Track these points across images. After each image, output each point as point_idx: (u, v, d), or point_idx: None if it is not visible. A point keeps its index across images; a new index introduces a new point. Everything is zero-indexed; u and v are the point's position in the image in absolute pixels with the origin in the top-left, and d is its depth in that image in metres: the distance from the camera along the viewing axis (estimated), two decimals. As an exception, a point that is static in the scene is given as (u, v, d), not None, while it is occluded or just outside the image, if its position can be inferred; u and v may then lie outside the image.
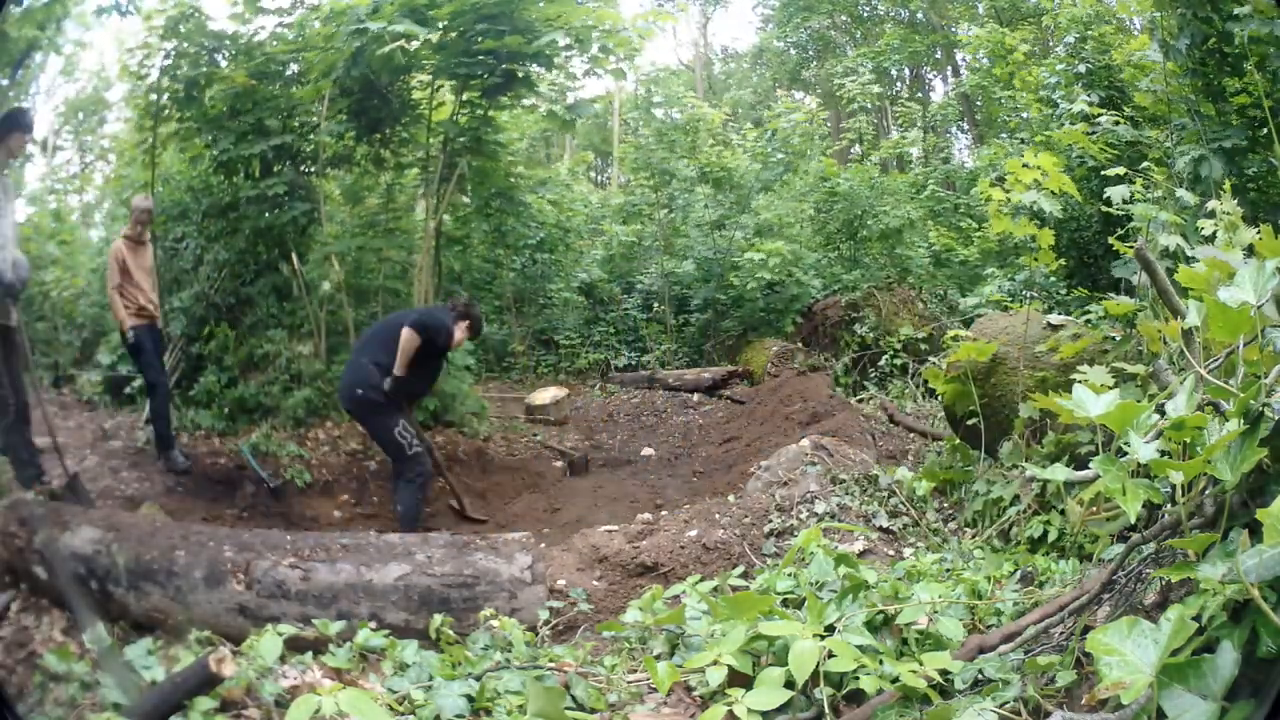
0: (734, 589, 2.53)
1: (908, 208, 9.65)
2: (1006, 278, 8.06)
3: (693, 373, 8.83)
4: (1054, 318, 4.03)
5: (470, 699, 2.00)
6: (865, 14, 16.98)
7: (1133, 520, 1.57)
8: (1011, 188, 3.91)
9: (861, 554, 3.12)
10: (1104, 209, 4.34)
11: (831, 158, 11.00)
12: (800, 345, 8.67)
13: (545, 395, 8.05)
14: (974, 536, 3.42)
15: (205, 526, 3.46)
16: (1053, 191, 3.84)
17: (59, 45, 8.15)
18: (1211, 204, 3.10)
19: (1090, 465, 1.73)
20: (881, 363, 7.99)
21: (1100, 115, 6.66)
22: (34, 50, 7.72)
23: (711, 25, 23.53)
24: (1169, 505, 1.66)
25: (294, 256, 6.83)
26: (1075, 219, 7.05)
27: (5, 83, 7.86)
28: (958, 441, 4.29)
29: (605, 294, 10.47)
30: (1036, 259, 4.12)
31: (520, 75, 6.94)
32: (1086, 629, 1.70)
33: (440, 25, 6.43)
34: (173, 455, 5.79)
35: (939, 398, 4.90)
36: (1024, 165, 3.84)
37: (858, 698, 1.79)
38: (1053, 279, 6.68)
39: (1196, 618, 1.32)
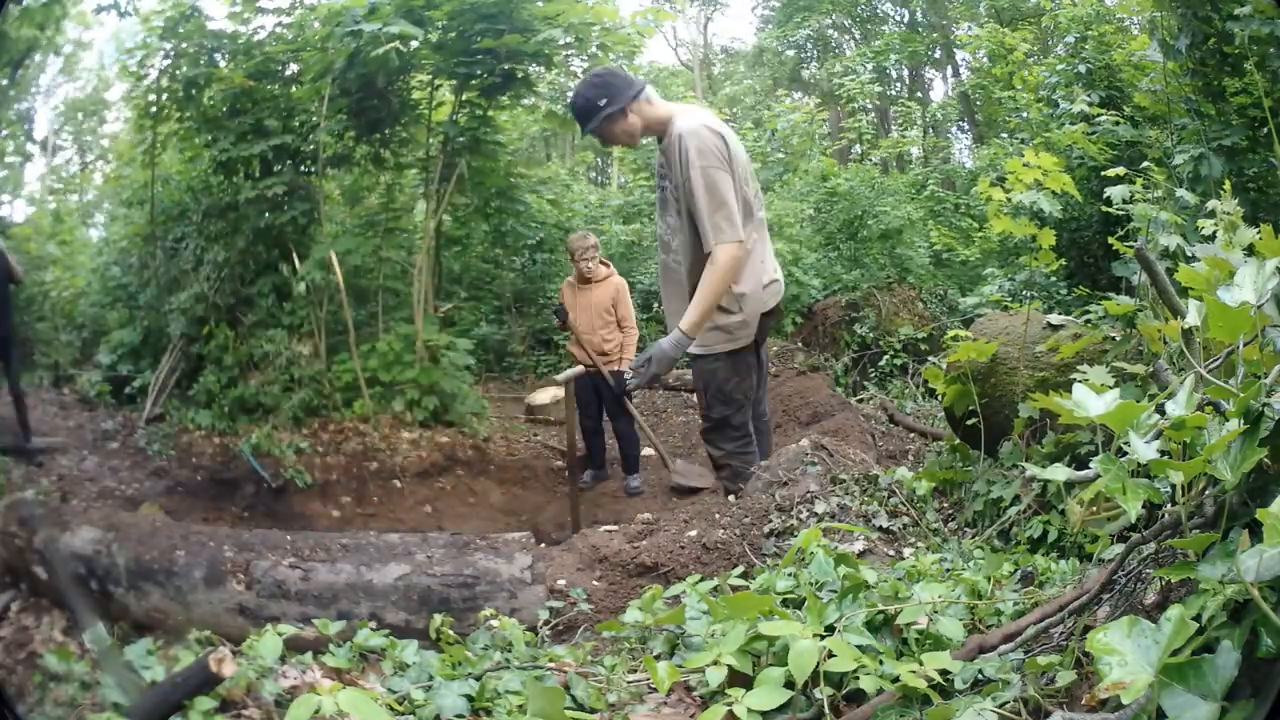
0: (734, 589, 2.53)
1: (908, 207, 9.65)
2: (1007, 277, 8.06)
3: (693, 372, 8.82)
4: (1054, 318, 4.03)
5: (470, 699, 2.00)
6: (865, 14, 16.98)
7: (1133, 520, 1.57)
8: (1012, 187, 3.91)
9: (861, 554, 3.12)
10: (1104, 209, 4.34)
11: (831, 157, 11.00)
12: (800, 345, 8.67)
13: (545, 395, 8.05)
14: (974, 536, 3.42)
15: (205, 526, 3.46)
16: (1053, 191, 3.83)
17: (59, 45, 8.16)
18: (1211, 204, 3.10)
19: (1090, 465, 1.73)
20: (881, 363, 7.99)
21: (1100, 115, 6.66)
22: (34, 50, 7.72)
23: (711, 25, 23.52)
24: (1169, 505, 1.66)
25: (294, 256, 6.84)
26: (1075, 219, 7.05)
27: (5, 83, 7.87)
28: (958, 441, 4.29)
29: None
30: (1037, 259, 4.12)
31: (519, 75, 6.94)
32: (1086, 629, 1.70)
33: (439, 25, 6.44)
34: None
35: (939, 398, 4.90)
36: (1025, 165, 3.84)
37: (858, 698, 1.79)
38: (1052, 279, 6.68)
39: (1196, 618, 1.32)
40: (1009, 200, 3.88)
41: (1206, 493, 1.58)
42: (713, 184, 3.34)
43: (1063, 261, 5.95)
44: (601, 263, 5.90)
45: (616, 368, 5.69)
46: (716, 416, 3.81)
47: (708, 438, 3.93)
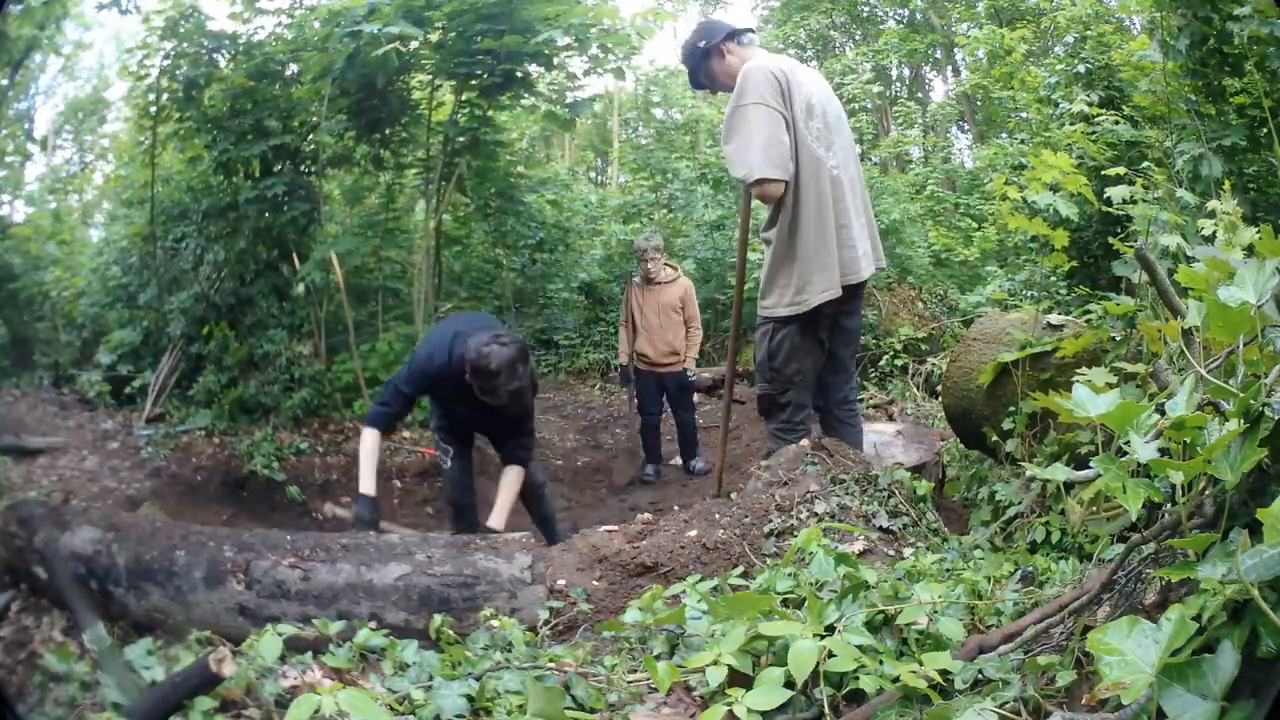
0: (734, 589, 2.53)
1: (906, 205, 9.65)
2: (1007, 277, 8.06)
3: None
4: (1054, 318, 4.03)
5: (470, 699, 1.99)
6: (864, 13, 16.99)
7: (1134, 519, 1.57)
8: (1028, 184, 3.91)
9: (861, 554, 3.12)
10: (1104, 209, 4.34)
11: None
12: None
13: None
14: (990, 529, 3.43)
15: (205, 526, 3.45)
16: (1070, 193, 3.84)
17: (59, 45, 8.17)
18: (1211, 204, 3.10)
19: (1090, 465, 1.73)
20: (881, 363, 7.99)
21: (1100, 115, 6.66)
22: (34, 50, 7.73)
23: (711, 25, 23.48)
24: (1169, 505, 1.66)
25: (294, 256, 6.84)
26: (1077, 219, 7.04)
27: (5, 83, 7.87)
28: (958, 442, 4.30)
29: (605, 294, 10.47)
30: (1048, 259, 4.12)
31: (519, 75, 6.94)
32: (1086, 629, 1.70)
33: (439, 26, 6.44)
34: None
35: (939, 398, 4.90)
36: (1045, 164, 3.82)
37: (858, 698, 1.79)
38: (1053, 279, 6.68)
39: (1196, 618, 1.32)
40: (1023, 200, 3.88)
41: (1206, 493, 1.58)
42: (742, 119, 3.29)
43: (1072, 262, 5.96)
44: (668, 264, 6.13)
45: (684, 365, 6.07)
46: (762, 390, 3.67)
47: (760, 407, 3.77)
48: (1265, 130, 5.21)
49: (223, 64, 6.96)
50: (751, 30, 3.68)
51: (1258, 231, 2.03)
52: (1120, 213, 4.28)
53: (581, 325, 10.20)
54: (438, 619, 2.54)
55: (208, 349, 6.89)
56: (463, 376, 3.57)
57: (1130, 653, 1.30)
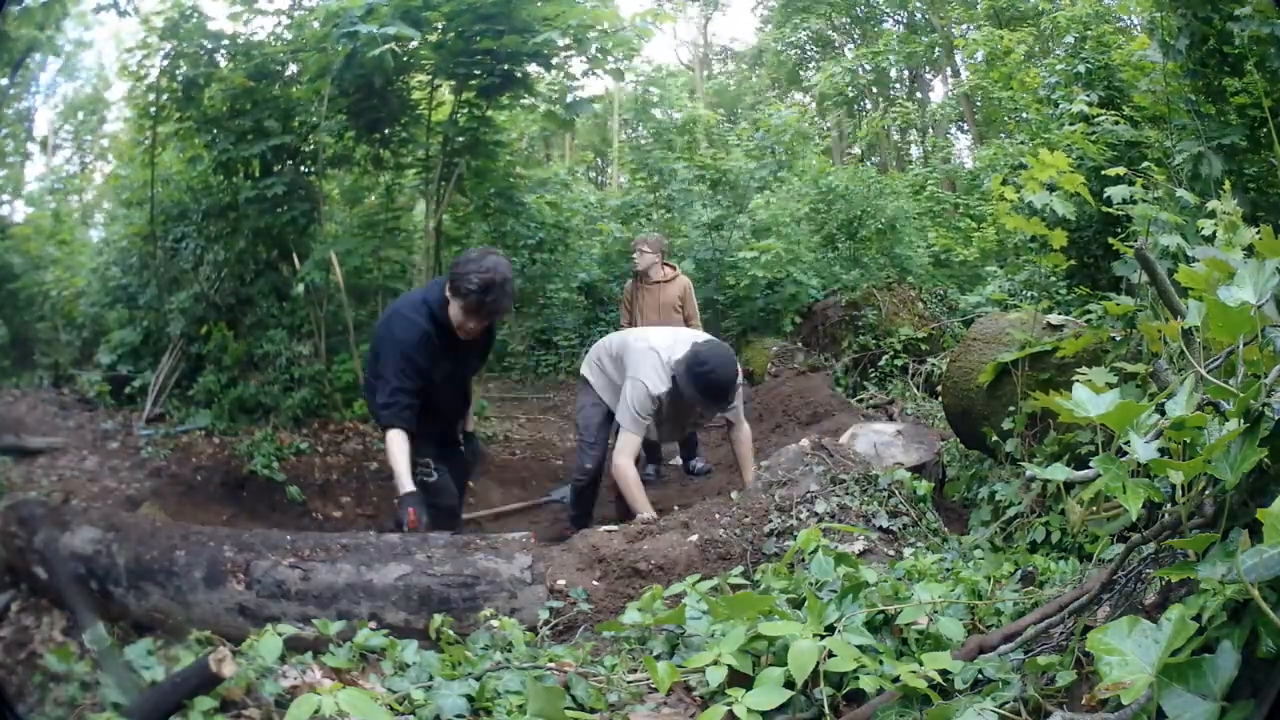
0: (734, 589, 2.53)
1: (903, 202, 9.66)
2: (1007, 277, 8.05)
3: (693, 373, 8.82)
4: (1054, 318, 4.02)
5: (470, 699, 2.00)
6: (864, 15, 17.00)
7: (1134, 519, 1.57)
8: (1024, 184, 3.91)
9: (861, 554, 3.12)
10: (1104, 209, 4.34)
11: (826, 156, 11.00)
12: (800, 345, 8.66)
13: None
14: (988, 529, 3.43)
15: (205, 526, 3.45)
16: (1067, 193, 3.84)
17: (58, 45, 8.16)
18: (1211, 204, 3.10)
19: (1090, 465, 1.73)
20: (881, 363, 7.99)
21: (1100, 115, 6.65)
22: (34, 50, 7.72)
23: (711, 25, 23.55)
24: (1169, 505, 1.66)
25: (294, 256, 6.84)
26: (1075, 218, 7.04)
27: (5, 83, 7.87)
28: (958, 442, 4.30)
29: (605, 294, 10.47)
30: (1046, 259, 4.12)
31: (518, 75, 6.94)
32: (1086, 629, 1.70)
33: (437, 26, 6.44)
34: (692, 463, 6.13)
35: (939, 398, 4.90)
36: (1042, 164, 3.82)
37: (858, 698, 1.79)
38: (1053, 279, 6.68)
39: (1196, 618, 1.32)
40: (1020, 200, 3.88)
41: (1206, 493, 1.58)
42: None
43: (1071, 262, 5.94)
44: (666, 264, 6.21)
45: None
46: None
47: None
48: (1265, 130, 5.21)
49: (222, 64, 6.95)
50: None
51: (1257, 231, 2.03)
52: (1120, 213, 4.28)
53: (581, 325, 10.20)
54: (438, 619, 2.54)
55: (208, 349, 6.89)
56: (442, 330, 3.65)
57: (1130, 653, 1.30)
